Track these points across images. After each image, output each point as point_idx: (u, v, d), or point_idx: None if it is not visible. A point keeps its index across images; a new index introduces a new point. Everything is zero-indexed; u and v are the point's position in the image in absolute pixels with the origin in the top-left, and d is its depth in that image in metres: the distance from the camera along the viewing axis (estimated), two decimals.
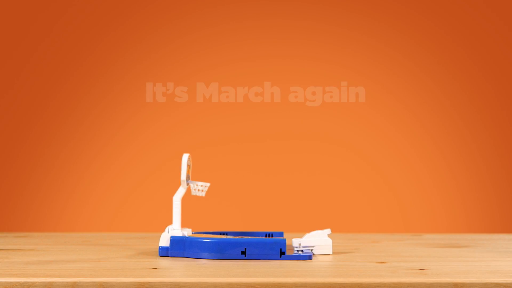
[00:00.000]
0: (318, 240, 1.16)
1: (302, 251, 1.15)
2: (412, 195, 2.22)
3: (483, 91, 2.30)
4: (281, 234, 1.24)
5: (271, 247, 1.09)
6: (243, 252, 1.09)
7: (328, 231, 1.18)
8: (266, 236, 1.23)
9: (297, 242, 1.16)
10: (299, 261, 1.07)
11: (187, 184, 1.14)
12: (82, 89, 2.31)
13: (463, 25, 2.31)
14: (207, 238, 1.11)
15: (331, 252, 1.16)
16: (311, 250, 1.16)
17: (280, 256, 1.09)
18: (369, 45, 2.31)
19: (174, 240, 1.11)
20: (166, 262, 1.07)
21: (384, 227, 2.20)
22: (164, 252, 1.12)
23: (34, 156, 2.29)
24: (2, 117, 2.29)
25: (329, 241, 1.17)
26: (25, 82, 2.30)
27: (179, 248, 1.11)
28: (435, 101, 2.32)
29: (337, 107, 2.32)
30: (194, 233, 1.17)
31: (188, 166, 1.14)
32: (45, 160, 2.29)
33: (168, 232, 1.13)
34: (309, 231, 1.18)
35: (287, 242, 1.10)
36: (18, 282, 0.89)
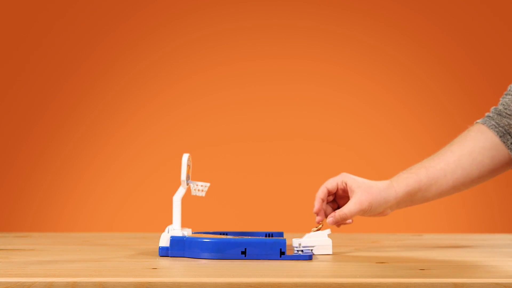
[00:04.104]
0: (318, 240, 1.16)
1: (302, 251, 1.15)
2: None
3: (483, 91, 2.30)
4: (281, 234, 1.24)
5: (271, 247, 1.09)
6: (243, 252, 1.09)
7: (328, 231, 1.18)
8: (266, 236, 1.23)
9: (297, 242, 1.16)
10: (299, 261, 1.07)
11: (187, 184, 1.14)
12: (82, 89, 2.31)
13: (463, 25, 2.31)
14: (207, 238, 1.11)
15: (331, 252, 1.16)
16: (311, 250, 1.15)
17: (280, 256, 1.09)
18: (369, 45, 2.31)
19: (174, 240, 1.11)
20: (166, 262, 1.07)
21: (384, 227, 2.20)
22: (164, 252, 1.12)
23: (34, 156, 2.29)
24: (2, 117, 2.29)
25: (329, 241, 1.17)
26: (25, 82, 2.29)
27: (179, 248, 1.11)
28: (435, 101, 2.32)
29: (337, 107, 2.32)
30: (194, 233, 1.17)
31: (188, 166, 1.14)
32: (45, 160, 2.29)
33: (168, 232, 1.13)
34: (309, 231, 1.18)
35: (287, 242, 1.10)
36: (18, 282, 0.89)
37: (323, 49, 2.32)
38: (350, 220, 1.23)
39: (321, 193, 1.22)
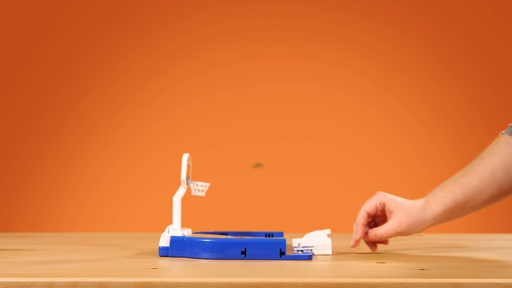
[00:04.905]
0: (317, 240, 1.16)
1: (302, 251, 1.15)
2: (412, 195, 2.21)
3: (483, 91, 2.30)
4: (281, 234, 1.24)
5: (271, 247, 1.09)
6: (243, 252, 1.09)
7: (327, 231, 1.18)
8: (266, 236, 1.23)
9: (297, 242, 1.16)
10: (299, 261, 1.07)
11: (187, 184, 1.14)
12: (82, 89, 2.31)
13: (462, 25, 2.31)
14: (207, 238, 1.11)
15: (330, 252, 1.16)
16: (311, 250, 1.15)
17: (280, 256, 1.09)
18: (369, 45, 2.31)
19: (174, 240, 1.12)
20: (166, 262, 1.07)
21: None
22: (164, 252, 1.12)
23: (34, 156, 2.29)
24: (2, 117, 2.29)
25: (329, 241, 1.17)
26: (25, 82, 2.29)
27: (179, 248, 1.11)
28: (435, 101, 2.32)
29: (337, 107, 2.32)
30: (194, 233, 1.17)
31: (188, 166, 1.14)
32: (45, 160, 2.29)
33: (168, 232, 1.13)
34: (309, 231, 1.18)
35: (287, 242, 1.10)
36: (18, 282, 0.89)
37: (323, 49, 2.32)
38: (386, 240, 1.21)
39: (363, 219, 1.20)
